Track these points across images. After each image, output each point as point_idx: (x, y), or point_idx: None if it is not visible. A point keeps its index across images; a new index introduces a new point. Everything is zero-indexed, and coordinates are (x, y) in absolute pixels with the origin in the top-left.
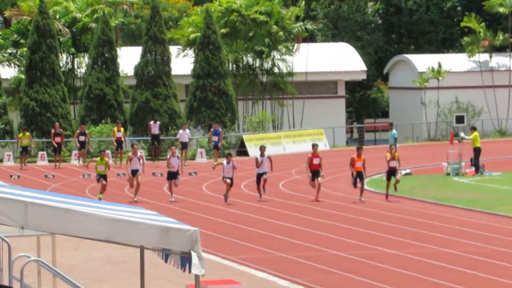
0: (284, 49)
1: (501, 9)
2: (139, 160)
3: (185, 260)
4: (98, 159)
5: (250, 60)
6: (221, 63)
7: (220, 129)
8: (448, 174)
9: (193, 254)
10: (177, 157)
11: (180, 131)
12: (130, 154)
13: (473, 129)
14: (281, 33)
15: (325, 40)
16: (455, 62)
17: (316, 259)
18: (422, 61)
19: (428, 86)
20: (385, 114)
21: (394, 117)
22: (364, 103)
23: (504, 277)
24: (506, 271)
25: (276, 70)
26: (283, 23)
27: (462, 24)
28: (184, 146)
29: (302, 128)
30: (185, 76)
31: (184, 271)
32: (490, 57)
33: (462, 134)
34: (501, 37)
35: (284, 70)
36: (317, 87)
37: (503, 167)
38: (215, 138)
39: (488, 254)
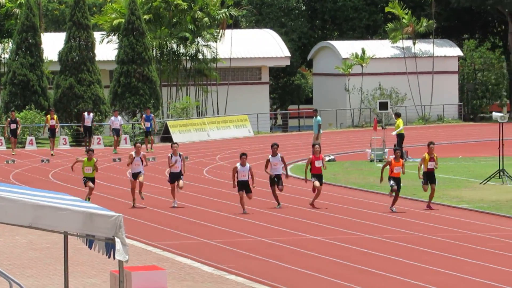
0: (208, 36)
1: None
2: (142, 161)
3: (109, 246)
4: (85, 159)
5: (174, 46)
6: (145, 49)
7: (153, 115)
8: (371, 160)
9: (117, 240)
10: (179, 155)
11: (112, 118)
12: (132, 153)
13: (397, 115)
14: (205, 19)
15: (249, 27)
16: (378, 48)
17: (240, 245)
18: (346, 48)
19: (352, 72)
20: (309, 101)
21: (318, 103)
22: (288, 90)
23: (426, 263)
24: (428, 257)
25: (200, 56)
26: (208, 9)
27: (387, 9)
28: (116, 133)
29: (226, 115)
30: (109, 62)
31: (108, 257)
32: (414, 43)
33: (393, 133)
34: (424, 24)
35: (209, 56)
36: (241, 73)
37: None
38: (147, 124)
39: (410, 240)
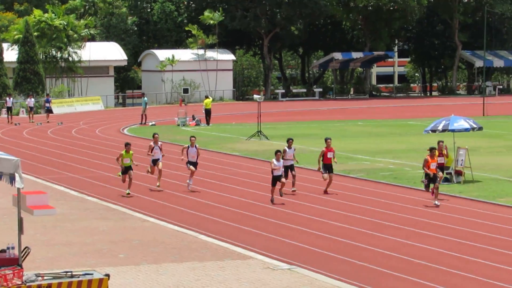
0: (76, 46)
1: (211, 21)
2: (160, 149)
3: (12, 178)
4: (123, 152)
5: (54, 52)
6: (35, 54)
7: (50, 98)
8: (178, 125)
9: (16, 175)
10: (196, 147)
11: (28, 99)
12: (151, 143)
13: (206, 97)
14: (75, 35)
15: (101, 40)
16: (182, 54)
17: (99, 178)
18: (162, 54)
19: (166, 69)
20: (139, 87)
21: (145, 89)
22: (126, 80)
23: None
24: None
25: (70, 59)
26: (76, 29)
27: (186, 28)
28: (31, 108)
29: (87, 96)
30: (13, 62)
31: (12, 185)
32: (204, 51)
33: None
34: (211, 39)
35: (76, 59)
36: (96, 70)
37: (212, 121)
38: (48, 104)
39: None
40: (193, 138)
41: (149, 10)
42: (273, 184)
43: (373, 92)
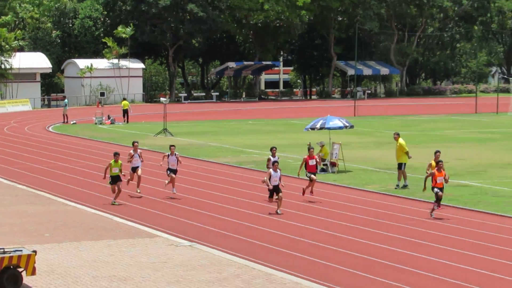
0: (7, 55)
1: (124, 35)
2: (139, 157)
3: None
4: (112, 161)
5: None
6: None
7: None
8: (95, 123)
9: None
10: (175, 155)
11: None
12: (131, 151)
13: (124, 99)
14: (6, 46)
15: (29, 51)
16: (99, 63)
17: (28, 169)
18: (82, 63)
19: (85, 76)
20: (62, 91)
21: (67, 92)
22: (51, 85)
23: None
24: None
25: (3, 66)
26: (7, 41)
27: (103, 40)
28: None
29: (17, 98)
30: None
31: None
32: (118, 60)
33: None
34: (124, 50)
35: (7, 66)
36: (25, 76)
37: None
38: None
39: None
40: (172, 147)
41: (70, 25)
42: (271, 194)
43: (262, 96)
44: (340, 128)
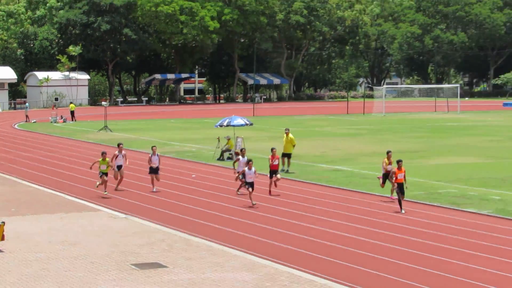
0: None
1: (74, 53)
2: (124, 157)
3: None
4: (100, 159)
5: None
6: None
7: None
8: (51, 122)
9: None
10: (157, 155)
11: None
12: (116, 152)
13: (71, 103)
14: None
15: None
16: (54, 75)
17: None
18: (41, 74)
19: (43, 85)
20: (25, 97)
21: (29, 98)
22: (16, 92)
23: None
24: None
25: None
26: None
27: (58, 57)
28: None
29: None
30: None
31: None
32: (69, 73)
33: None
34: (74, 64)
35: None
36: None
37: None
38: None
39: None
40: (154, 147)
41: (32, 45)
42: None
43: (181, 101)
44: (242, 125)
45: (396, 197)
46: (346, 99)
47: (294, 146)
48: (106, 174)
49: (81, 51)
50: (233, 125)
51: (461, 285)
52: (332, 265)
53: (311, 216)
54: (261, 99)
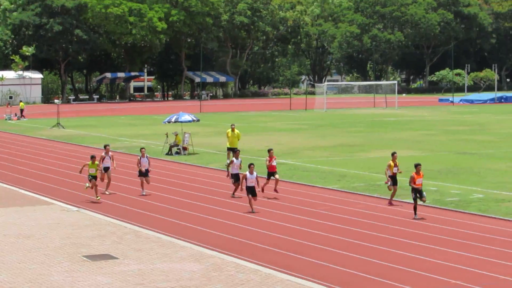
0: None
1: (27, 53)
2: (111, 159)
3: None
4: (89, 163)
5: None
6: None
7: None
8: (6, 119)
9: None
10: (146, 157)
11: None
12: (103, 154)
13: (21, 101)
14: None
15: None
16: (9, 74)
17: None
18: None
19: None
20: None
21: None
22: None
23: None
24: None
25: None
26: None
27: (11, 57)
28: None
29: None
30: None
31: None
32: (23, 72)
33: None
34: (27, 64)
35: None
36: None
37: (28, 117)
38: None
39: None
40: (143, 149)
41: None
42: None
43: (131, 98)
44: (189, 121)
45: (389, 199)
46: (289, 96)
47: (239, 140)
48: (95, 177)
49: (34, 51)
50: (181, 121)
51: (393, 270)
52: (276, 255)
53: (256, 208)
54: (207, 96)
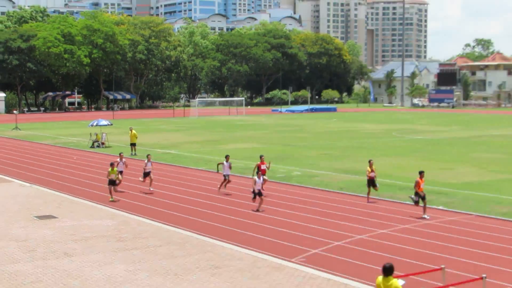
0: None
1: None
2: (124, 164)
3: None
4: (110, 169)
5: None
6: None
7: None
8: None
9: None
10: (151, 162)
11: None
12: (117, 159)
13: None
14: None
15: None
16: None
17: None
18: None
19: None
20: None
21: None
22: None
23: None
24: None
25: None
26: None
27: None
28: None
29: None
30: None
31: None
32: None
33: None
34: None
35: None
36: None
37: None
38: None
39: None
40: (149, 156)
41: None
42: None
43: (66, 109)
44: (106, 125)
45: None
46: (172, 108)
47: (136, 138)
48: (114, 182)
49: None
50: (100, 125)
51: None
52: (172, 216)
53: (155, 184)
54: (118, 108)
